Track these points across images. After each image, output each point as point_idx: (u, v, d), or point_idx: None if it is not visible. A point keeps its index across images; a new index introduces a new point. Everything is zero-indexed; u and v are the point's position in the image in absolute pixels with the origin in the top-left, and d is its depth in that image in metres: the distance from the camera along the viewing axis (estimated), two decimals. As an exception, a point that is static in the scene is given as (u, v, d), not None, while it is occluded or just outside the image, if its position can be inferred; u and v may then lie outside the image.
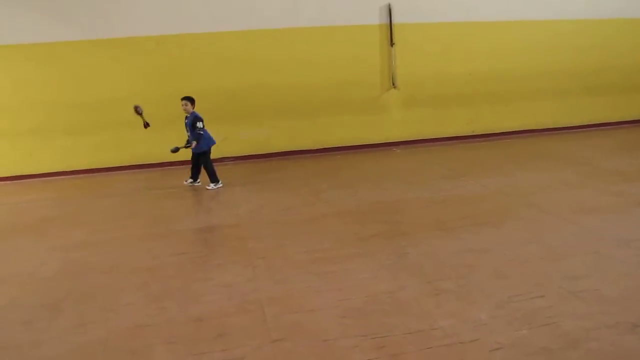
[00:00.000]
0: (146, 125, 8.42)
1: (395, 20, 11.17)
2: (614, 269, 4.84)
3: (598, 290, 4.38)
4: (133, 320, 4.22)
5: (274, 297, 4.51)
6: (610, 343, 3.62)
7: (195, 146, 8.35)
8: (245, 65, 10.55)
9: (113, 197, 8.48)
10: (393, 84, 11.37)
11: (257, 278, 4.93)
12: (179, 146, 8.33)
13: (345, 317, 4.09)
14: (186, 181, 8.80)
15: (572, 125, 12.74)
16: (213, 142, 8.55)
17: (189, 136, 8.40)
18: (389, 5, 11.10)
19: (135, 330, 4.07)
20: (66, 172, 10.28)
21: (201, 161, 8.55)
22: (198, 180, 8.73)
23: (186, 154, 8.77)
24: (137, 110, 8.34)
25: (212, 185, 8.49)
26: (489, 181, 8.22)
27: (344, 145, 11.38)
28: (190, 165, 8.75)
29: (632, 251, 5.23)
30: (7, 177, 10.18)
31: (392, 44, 11.22)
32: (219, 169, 8.91)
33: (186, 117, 8.38)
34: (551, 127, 12.58)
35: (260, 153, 10.97)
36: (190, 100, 8.33)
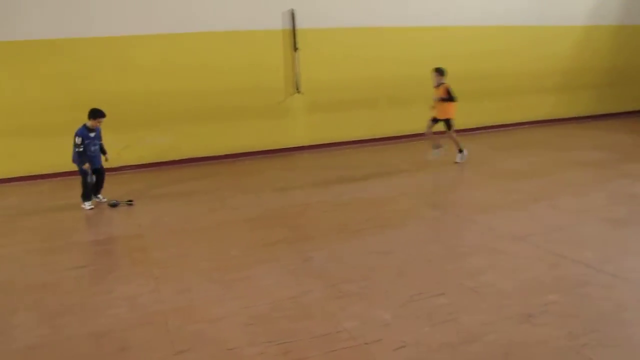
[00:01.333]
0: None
1: (298, 25, 11.21)
2: (510, 264, 5.06)
3: (495, 285, 4.56)
4: (25, 342, 3.98)
5: (177, 308, 4.39)
6: (507, 334, 3.77)
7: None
8: (147, 71, 10.26)
9: (7, 210, 8.01)
10: (297, 89, 11.41)
11: (160, 289, 4.79)
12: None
13: (250, 324, 4.04)
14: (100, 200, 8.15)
15: (471, 127, 13.25)
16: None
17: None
18: (292, 10, 11.13)
19: (28, 352, 3.84)
20: (-47, 185, 9.64)
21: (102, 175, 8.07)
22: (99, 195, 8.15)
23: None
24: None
25: (87, 204, 7.86)
26: (392, 183, 8.40)
27: (248, 151, 11.30)
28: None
29: (527, 246, 5.49)
30: None
31: (295, 49, 11.26)
32: (120, 178, 8.61)
33: (93, 131, 7.72)
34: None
35: (163, 160, 10.70)
36: None
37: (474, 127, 13.31)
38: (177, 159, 10.81)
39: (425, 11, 12.31)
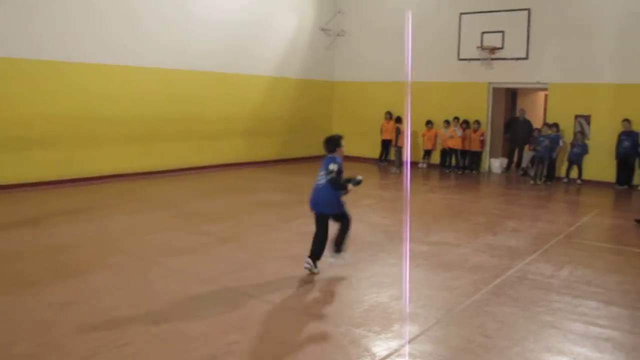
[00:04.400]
0: None
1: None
2: (196, 306, 5.08)
3: (180, 329, 4.52)
4: None
5: None
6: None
7: None
8: None
9: None
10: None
11: None
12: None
13: None
14: None
15: (163, 169, 13.17)
16: None
17: None
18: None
19: None
20: None
21: None
22: None
23: None
24: None
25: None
26: (77, 228, 7.87)
27: None
28: None
29: (215, 287, 5.57)
30: None
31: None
32: None
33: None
34: (144, 171, 12.75)
35: None
36: None
37: (166, 169, 13.25)
38: None
39: (116, 49, 11.98)
